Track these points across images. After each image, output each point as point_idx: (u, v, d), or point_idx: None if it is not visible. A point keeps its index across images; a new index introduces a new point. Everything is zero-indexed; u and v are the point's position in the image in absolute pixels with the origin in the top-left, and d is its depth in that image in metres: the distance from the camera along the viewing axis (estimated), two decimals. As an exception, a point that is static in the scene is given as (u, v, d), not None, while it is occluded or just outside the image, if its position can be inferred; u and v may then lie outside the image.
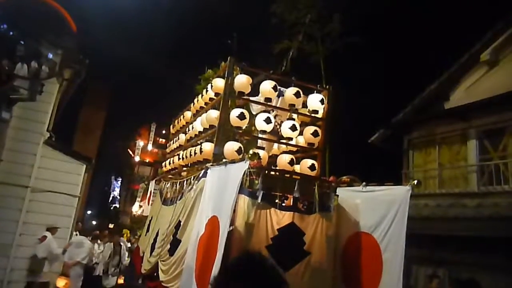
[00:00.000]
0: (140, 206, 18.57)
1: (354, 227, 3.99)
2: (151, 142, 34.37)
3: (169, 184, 5.95)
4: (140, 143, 34.31)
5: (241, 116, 4.17)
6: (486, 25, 9.40)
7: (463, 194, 8.93)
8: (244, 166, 3.19)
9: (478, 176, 8.94)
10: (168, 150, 7.77)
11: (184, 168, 5.61)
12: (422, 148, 10.49)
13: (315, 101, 4.57)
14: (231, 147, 4.07)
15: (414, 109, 10.59)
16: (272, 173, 3.99)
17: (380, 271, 3.60)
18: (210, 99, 5.03)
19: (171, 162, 6.65)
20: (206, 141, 4.64)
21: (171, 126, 7.62)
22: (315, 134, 4.50)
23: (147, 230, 6.39)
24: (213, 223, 3.47)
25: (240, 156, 3.81)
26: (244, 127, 4.47)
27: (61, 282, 8.08)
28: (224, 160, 3.76)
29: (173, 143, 7.23)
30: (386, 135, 11.22)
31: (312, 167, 4.41)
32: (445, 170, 9.76)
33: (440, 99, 10.20)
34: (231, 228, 3.39)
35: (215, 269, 3.08)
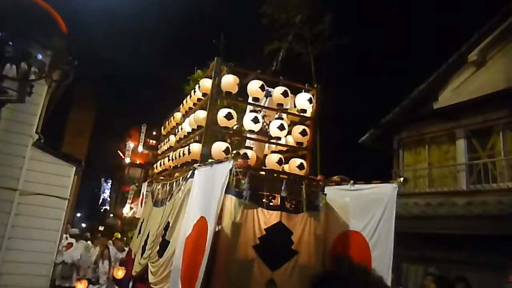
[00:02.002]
0: (131, 208, 18.46)
1: (343, 225, 4.00)
2: (142, 143, 34.10)
3: (160, 186, 5.94)
4: (130, 144, 34.04)
5: (229, 116, 4.18)
6: (473, 26, 9.51)
7: (453, 192, 9.01)
8: (228, 165, 3.19)
9: (467, 174, 9.03)
10: (159, 152, 7.76)
11: (174, 169, 5.61)
12: (412, 148, 10.58)
13: (303, 100, 4.58)
14: (218, 147, 4.07)
15: (403, 109, 10.67)
16: (260, 172, 3.99)
17: (369, 268, 3.62)
18: (198, 99, 5.03)
19: (162, 163, 6.64)
20: (194, 141, 4.64)
21: (162, 128, 7.61)
22: (303, 133, 4.51)
23: (139, 232, 6.38)
24: (201, 224, 3.46)
25: (227, 156, 3.82)
26: (234, 127, 4.48)
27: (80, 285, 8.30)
28: (210, 160, 3.76)
29: (164, 144, 7.22)
30: (376, 135, 11.30)
31: (301, 166, 4.42)
32: (435, 169, 9.84)
33: (429, 99, 10.29)
34: (218, 228, 3.38)
35: (201, 270, 3.06)
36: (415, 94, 10.43)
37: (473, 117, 9.05)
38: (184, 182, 4.24)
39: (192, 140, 4.81)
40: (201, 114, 4.53)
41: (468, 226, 7.84)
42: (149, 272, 4.49)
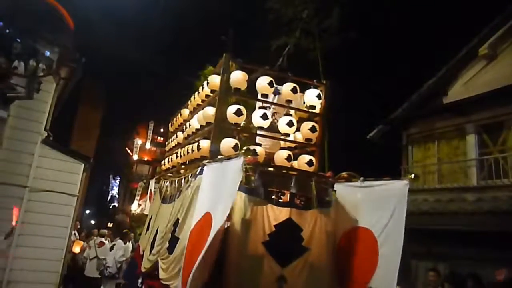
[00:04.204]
0: (139, 205, 18.56)
1: (352, 222, 3.96)
2: (149, 140, 34.36)
3: (168, 182, 5.93)
4: (138, 141, 34.29)
5: (238, 113, 4.15)
6: (484, 19, 9.38)
7: (463, 188, 8.93)
8: (239, 162, 3.16)
9: (478, 170, 8.94)
10: (167, 149, 7.77)
11: (183, 166, 5.60)
12: (421, 143, 10.49)
13: (312, 96, 4.54)
14: (227, 144, 4.05)
15: (412, 105, 10.58)
16: (269, 169, 3.96)
17: (375, 265, 3.57)
18: (207, 96, 5.01)
19: (170, 160, 6.65)
20: (203, 138, 4.62)
21: (170, 125, 7.61)
22: (312, 129, 4.47)
23: (147, 229, 6.38)
24: (206, 219, 3.44)
25: (237, 152, 3.79)
26: (242, 124, 4.45)
27: None
28: (220, 156, 3.74)
29: (171, 141, 7.23)
30: (385, 131, 11.22)
31: (310, 163, 4.38)
32: (444, 165, 9.76)
33: (439, 94, 10.19)
34: (227, 224, 3.36)
35: (195, 266, 3.03)
36: (425, 89, 10.34)
37: (483, 111, 8.95)
38: (193, 179, 4.22)
39: (200, 137, 4.79)
40: (210, 111, 4.51)
41: (479, 222, 7.77)
42: (159, 268, 4.49)
